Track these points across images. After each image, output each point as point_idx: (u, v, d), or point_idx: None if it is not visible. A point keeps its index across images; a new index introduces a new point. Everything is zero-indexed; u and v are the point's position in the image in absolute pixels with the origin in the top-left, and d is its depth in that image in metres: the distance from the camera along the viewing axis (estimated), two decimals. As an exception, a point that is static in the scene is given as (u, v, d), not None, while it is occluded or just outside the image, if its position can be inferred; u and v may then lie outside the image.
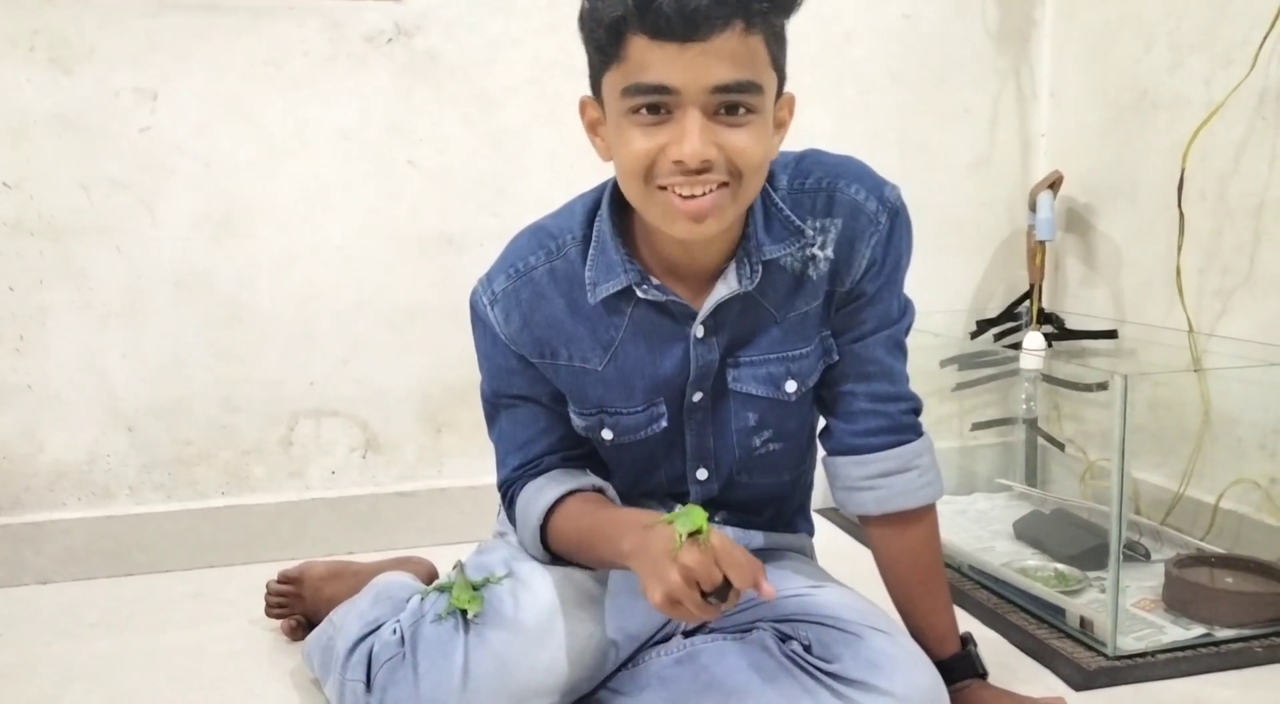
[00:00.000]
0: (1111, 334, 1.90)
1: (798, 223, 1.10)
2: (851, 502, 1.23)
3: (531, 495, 1.16)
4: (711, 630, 1.21)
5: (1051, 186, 1.98)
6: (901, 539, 1.22)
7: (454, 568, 1.20)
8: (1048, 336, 1.96)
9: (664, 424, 1.18)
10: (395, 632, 1.13)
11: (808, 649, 1.13)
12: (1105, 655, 1.36)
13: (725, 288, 1.10)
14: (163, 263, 1.76)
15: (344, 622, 1.23)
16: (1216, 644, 1.39)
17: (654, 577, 0.92)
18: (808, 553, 1.37)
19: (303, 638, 1.39)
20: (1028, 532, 1.78)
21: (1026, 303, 2.07)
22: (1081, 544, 1.67)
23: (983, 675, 1.22)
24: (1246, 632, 1.41)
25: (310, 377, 1.85)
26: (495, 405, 1.24)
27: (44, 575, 1.75)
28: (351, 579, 1.44)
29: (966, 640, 1.24)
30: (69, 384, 1.75)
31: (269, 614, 1.52)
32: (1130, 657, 1.36)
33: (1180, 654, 1.36)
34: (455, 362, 1.89)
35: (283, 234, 1.81)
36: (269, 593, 1.52)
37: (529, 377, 1.18)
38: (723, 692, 1.12)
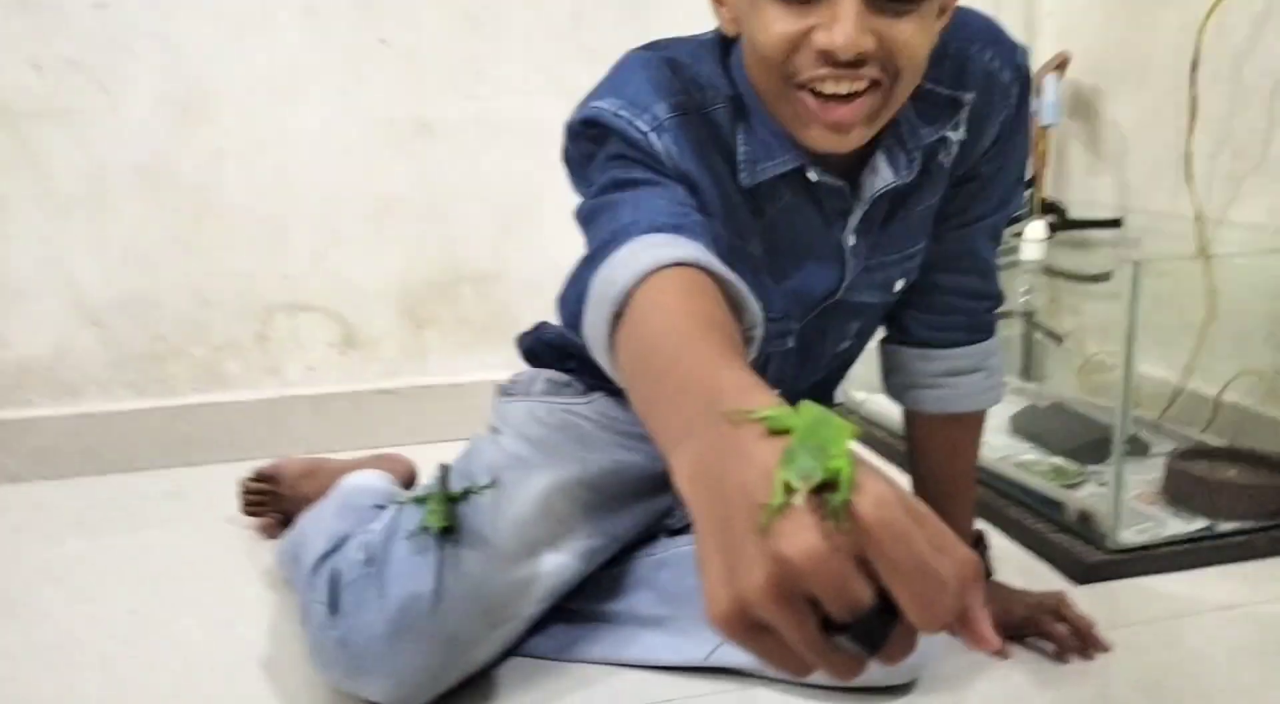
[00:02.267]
0: (1115, 223, 1.83)
1: (950, 93, 0.95)
2: (908, 397, 1.16)
3: (636, 250, 0.70)
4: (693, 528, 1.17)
5: (1058, 68, 1.89)
6: (946, 440, 1.17)
7: (437, 473, 1.13)
8: (1050, 226, 1.90)
9: (790, 343, 1.03)
10: (362, 549, 1.05)
11: None
12: (1105, 549, 1.32)
13: (879, 179, 0.94)
14: (124, 149, 1.67)
15: (310, 532, 1.18)
16: (1218, 537, 1.36)
17: (718, 563, 0.44)
18: None
19: (280, 536, 1.35)
20: (1024, 426, 1.74)
21: (1029, 191, 1.99)
22: (1079, 438, 1.63)
23: (988, 577, 1.19)
24: (1248, 524, 1.38)
25: (284, 270, 1.77)
26: (612, 190, 0.85)
27: (14, 474, 1.69)
28: (327, 477, 1.39)
29: (979, 540, 1.20)
30: (31, 277, 1.67)
31: (245, 512, 1.48)
32: (1130, 550, 1.32)
33: (1181, 548, 1.33)
34: (435, 255, 1.82)
35: (249, 120, 1.71)
36: (244, 491, 1.47)
37: (683, 192, 0.86)
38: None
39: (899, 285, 1.07)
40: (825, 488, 0.41)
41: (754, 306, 0.68)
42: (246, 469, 1.49)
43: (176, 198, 1.70)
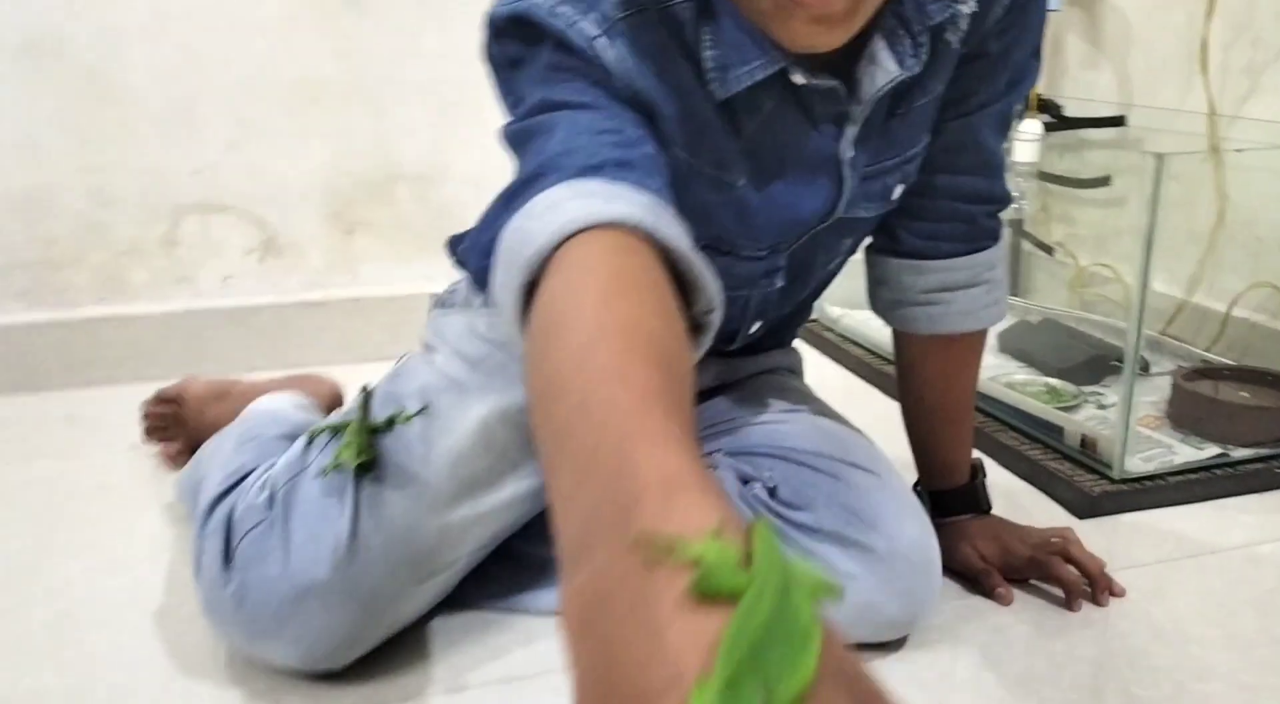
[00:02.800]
0: (1118, 121, 1.67)
1: None
2: (897, 316, 1.01)
3: (561, 198, 0.56)
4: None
5: (1059, -52, 1.71)
6: (942, 363, 1.03)
7: (359, 396, 0.95)
8: (1046, 126, 1.73)
9: (779, 282, 0.90)
10: (264, 488, 0.89)
11: (773, 492, 0.94)
12: (1110, 479, 1.19)
13: (881, 73, 0.77)
14: (4, 22, 1.44)
15: (207, 466, 1.01)
16: (1233, 465, 1.23)
17: None
18: (797, 371, 1.16)
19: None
20: (1014, 343, 1.60)
21: (1022, 86, 1.82)
22: (1074, 356, 1.50)
23: (985, 511, 1.06)
24: (1265, 451, 1.25)
25: (193, 165, 1.57)
26: (544, 112, 0.69)
27: (-111, 396, 1.50)
28: (238, 400, 1.22)
29: (976, 471, 1.06)
30: (-104, 171, 1.46)
31: (148, 438, 1.30)
32: (1138, 480, 1.20)
33: (1194, 477, 1.21)
34: (365, 149, 1.63)
35: (149, -10, 1.49)
36: (145, 414, 1.30)
37: (633, 117, 0.71)
38: None
39: (898, 192, 0.91)
40: None
41: (711, 286, 0.52)
42: (153, 391, 1.32)
43: (67, 80, 1.49)
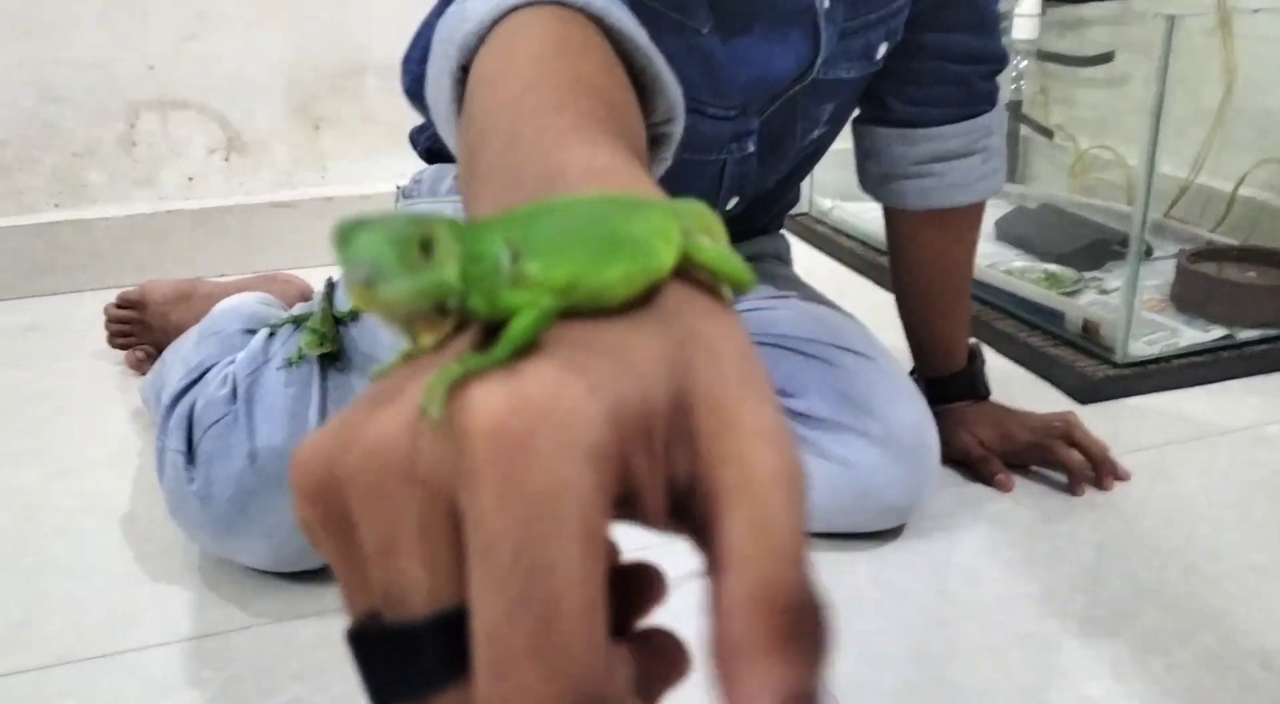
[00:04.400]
0: (1120, -7, 1.59)
1: None
2: (887, 191, 0.96)
3: None
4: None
5: None
6: (937, 241, 0.98)
7: (323, 287, 0.89)
8: (1045, 1, 1.65)
9: (750, 147, 0.84)
10: (226, 382, 0.84)
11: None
12: (1113, 363, 1.15)
13: None
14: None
15: (171, 365, 0.96)
16: (1239, 346, 1.19)
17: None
18: (783, 257, 1.11)
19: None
20: (1012, 230, 1.54)
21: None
22: (1074, 242, 1.44)
23: (984, 397, 1.01)
24: (1271, 331, 1.21)
25: (147, 58, 1.48)
26: None
27: None
28: (202, 302, 1.16)
29: (974, 356, 1.02)
30: None
31: (111, 344, 1.25)
32: (1141, 363, 1.15)
33: (1198, 359, 1.17)
34: (331, 38, 1.54)
35: None
36: (108, 320, 1.24)
37: None
38: None
39: (882, 51, 0.85)
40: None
41: (671, 86, 0.44)
42: (115, 296, 1.26)
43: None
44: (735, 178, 0.87)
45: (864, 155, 0.97)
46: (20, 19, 1.41)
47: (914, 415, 0.87)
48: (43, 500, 0.97)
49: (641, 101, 0.42)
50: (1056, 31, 1.71)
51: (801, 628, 0.19)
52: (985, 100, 0.92)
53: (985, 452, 0.97)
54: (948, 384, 1.01)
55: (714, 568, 0.19)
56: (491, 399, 0.19)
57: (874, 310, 1.09)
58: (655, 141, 0.46)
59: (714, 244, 0.25)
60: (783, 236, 1.11)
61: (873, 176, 0.97)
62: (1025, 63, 1.70)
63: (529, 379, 0.19)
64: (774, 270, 1.05)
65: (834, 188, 1.66)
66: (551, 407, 0.19)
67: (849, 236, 1.64)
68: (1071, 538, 0.88)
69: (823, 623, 0.19)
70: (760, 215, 1.01)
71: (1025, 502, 0.94)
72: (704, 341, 0.22)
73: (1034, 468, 0.98)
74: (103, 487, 0.99)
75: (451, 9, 0.47)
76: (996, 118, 0.94)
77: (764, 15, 0.76)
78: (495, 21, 0.43)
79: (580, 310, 0.21)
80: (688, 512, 0.21)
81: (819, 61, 0.80)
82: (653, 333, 0.21)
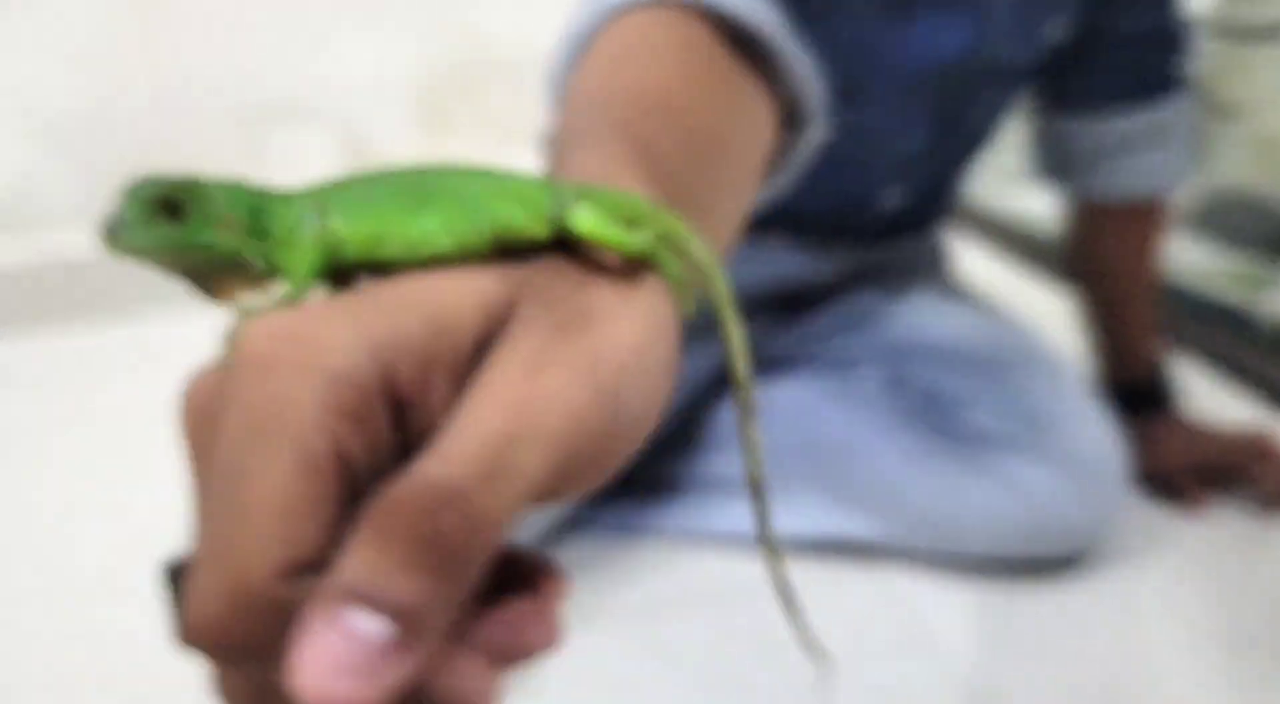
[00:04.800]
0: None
1: None
2: (1067, 182, 0.90)
3: None
4: (796, 367, 0.92)
5: None
6: (1120, 235, 0.91)
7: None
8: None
9: (919, 134, 0.79)
10: None
11: (930, 395, 0.84)
12: (1317, 368, 1.03)
13: None
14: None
15: None
16: None
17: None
18: (944, 262, 1.02)
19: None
20: (1197, 220, 1.43)
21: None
22: (1263, 232, 1.32)
23: (1173, 408, 0.93)
24: None
25: (269, 67, 1.48)
26: None
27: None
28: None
29: (1161, 364, 0.94)
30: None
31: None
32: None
33: None
34: (454, 37, 1.51)
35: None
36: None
37: None
38: (814, 456, 0.84)
39: (1054, 33, 0.79)
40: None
41: (798, 64, 0.45)
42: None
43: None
44: (902, 168, 0.82)
45: (1041, 144, 0.91)
46: (150, 33, 1.43)
47: (1099, 433, 0.80)
48: (139, 540, 0.95)
49: (771, 83, 0.45)
50: (1237, 3, 1.58)
51: (419, 551, 0.19)
52: (1172, 85, 0.85)
53: (1176, 469, 0.89)
54: (1134, 394, 0.92)
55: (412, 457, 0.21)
56: (255, 330, 0.21)
57: (1044, 313, 1.01)
58: (793, 119, 0.47)
59: (600, 220, 0.25)
60: (944, 239, 1.04)
61: (1050, 166, 0.91)
62: (1204, 38, 1.57)
63: (291, 315, 0.22)
64: (938, 276, 0.98)
65: (990, 177, 1.57)
66: (299, 334, 0.21)
67: (1010, 230, 1.54)
68: (1273, 567, 0.79)
69: (443, 569, 0.19)
70: (923, 214, 0.95)
71: (1219, 526, 0.85)
72: (545, 296, 0.23)
73: (1227, 487, 0.88)
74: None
75: (574, 10, 0.48)
76: (1184, 103, 0.86)
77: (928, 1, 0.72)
78: (601, 26, 0.46)
79: (407, 263, 0.24)
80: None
81: (985, 44, 0.74)
82: (476, 280, 0.23)
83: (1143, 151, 0.86)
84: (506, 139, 1.56)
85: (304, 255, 0.23)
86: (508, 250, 0.25)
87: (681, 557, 0.85)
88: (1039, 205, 1.52)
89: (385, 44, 1.51)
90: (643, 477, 0.88)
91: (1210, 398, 1.05)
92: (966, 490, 0.80)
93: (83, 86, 1.44)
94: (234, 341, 0.22)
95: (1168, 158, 0.86)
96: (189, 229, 0.23)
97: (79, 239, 1.48)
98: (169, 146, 1.49)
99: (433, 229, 0.24)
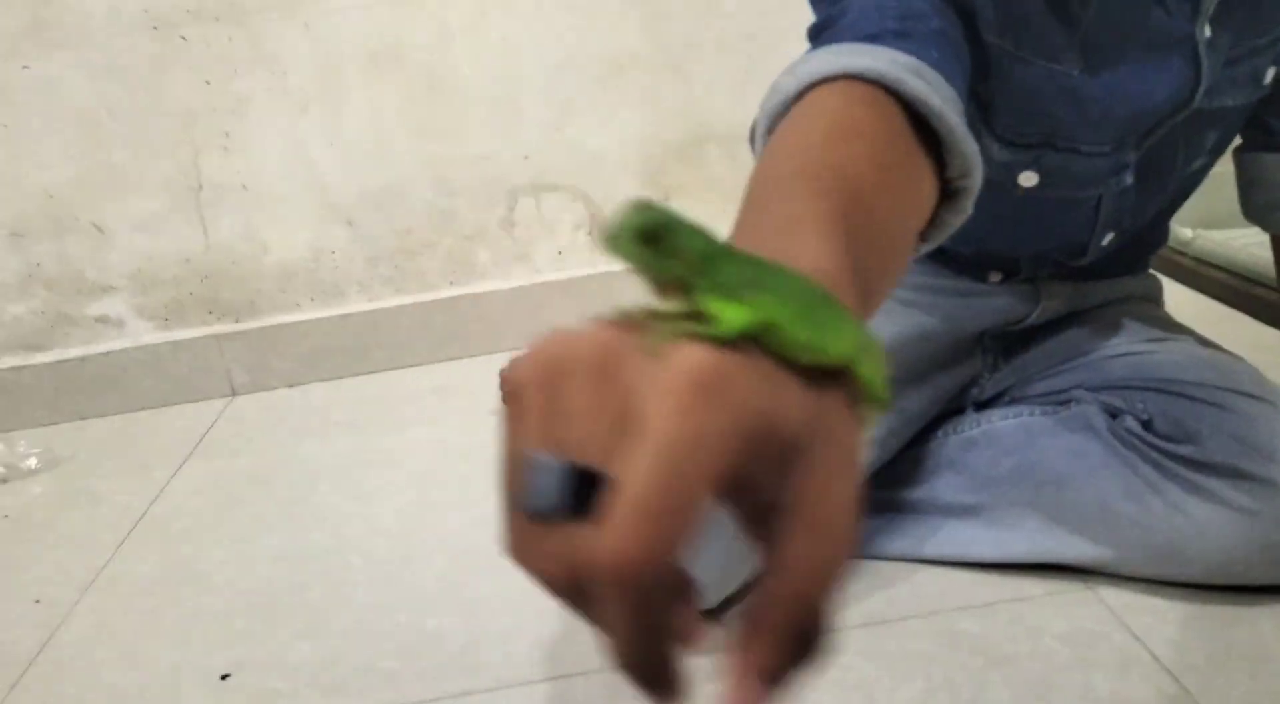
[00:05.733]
0: None
1: None
2: (1276, 221, 0.92)
3: (820, 57, 0.53)
4: (1013, 401, 0.98)
5: None
6: None
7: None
8: None
9: (1129, 180, 0.83)
10: None
11: (1148, 425, 0.88)
12: None
13: None
14: (351, 35, 1.60)
15: None
16: None
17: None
18: (1155, 298, 1.07)
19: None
20: None
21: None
22: None
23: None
24: None
25: (522, 149, 1.67)
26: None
27: (291, 378, 1.72)
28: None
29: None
30: (280, 179, 1.66)
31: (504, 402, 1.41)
32: None
33: None
34: (673, 114, 1.66)
35: (472, -11, 1.60)
36: (501, 382, 1.40)
37: (937, 7, 0.63)
38: (1032, 482, 0.89)
39: (1270, 77, 0.81)
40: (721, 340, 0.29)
41: (965, 144, 0.49)
42: (506, 360, 1.43)
43: (406, 80, 1.63)
44: (1113, 212, 0.86)
45: (1248, 183, 0.92)
46: (423, 126, 1.65)
47: None
48: (470, 544, 1.12)
49: (941, 159, 0.49)
50: None
51: (799, 635, 0.27)
52: None
53: None
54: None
55: (767, 568, 0.27)
56: (700, 352, 0.27)
57: (1256, 349, 1.03)
58: (954, 194, 0.51)
59: (877, 368, 0.31)
60: (1154, 276, 1.08)
61: (1260, 206, 0.92)
62: None
63: (729, 355, 0.27)
64: (1147, 312, 1.02)
65: (1194, 216, 1.57)
66: (735, 376, 0.27)
67: (1217, 268, 1.55)
68: None
69: (816, 642, 0.27)
70: (1132, 252, 1.00)
71: None
72: (831, 430, 0.28)
73: None
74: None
75: (779, 79, 0.55)
76: None
77: (1138, 46, 0.75)
78: (800, 94, 0.51)
79: (765, 346, 0.28)
80: (762, 521, 0.28)
81: (1200, 91, 0.77)
82: (804, 390, 0.28)
83: None
84: (722, 201, 1.70)
85: (736, 313, 0.28)
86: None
87: (904, 579, 0.94)
88: (1241, 237, 1.51)
89: (616, 122, 1.67)
90: (865, 502, 0.96)
91: None
92: (1189, 517, 0.82)
93: (376, 171, 1.66)
94: (661, 346, 0.27)
95: None
96: (657, 255, 0.29)
97: (371, 299, 1.71)
98: (440, 218, 1.70)
99: (800, 343, 0.29)
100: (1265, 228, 0.94)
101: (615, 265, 1.70)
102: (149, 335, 1.70)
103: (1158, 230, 1.01)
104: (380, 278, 1.72)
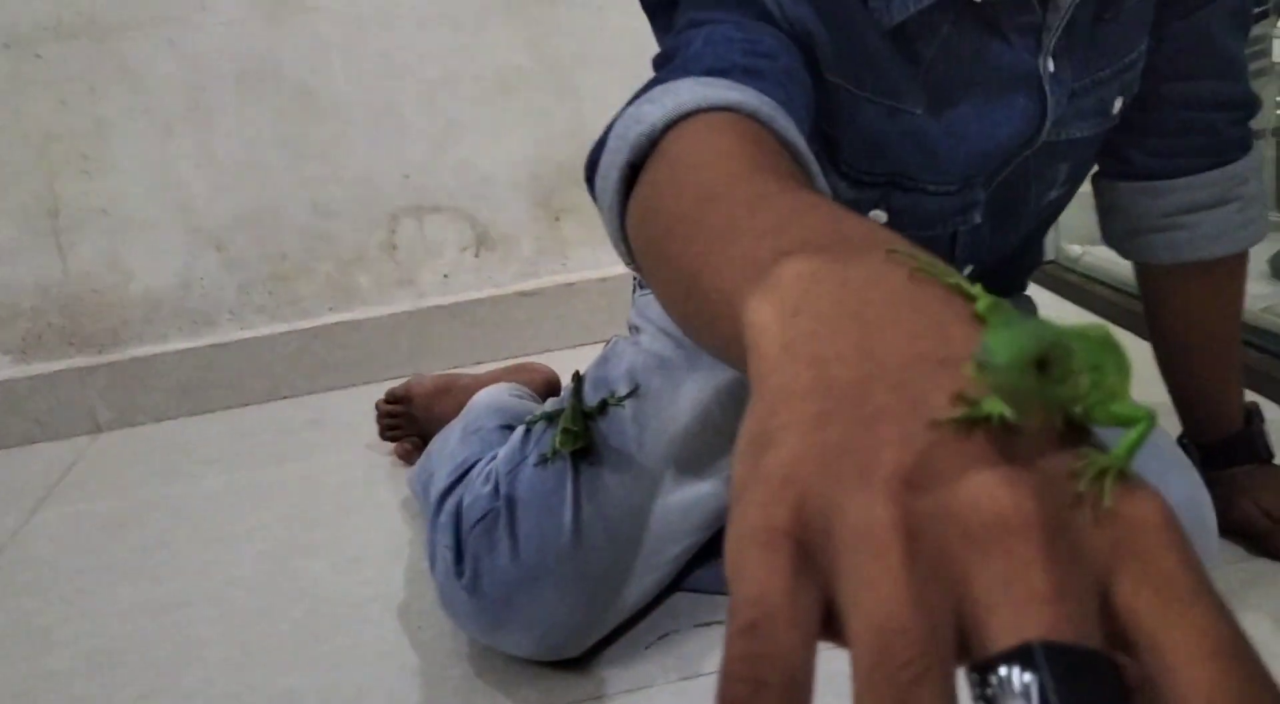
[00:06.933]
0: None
1: None
2: (1136, 247, 0.91)
3: (679, 87, 0.50)
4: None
5: None
6: (1196, 296, 0.92)
7: (571, 382, 0.94)
8: (1307, 18, 1.52)
9: (977, 218, 0.80)
10: (489, 479, 0.89)
11: None
12: None
13: None
14: (219, 52, 1.53)
15: (435, 461, 1.03)
16: None
17: (807, 435, 0.24)
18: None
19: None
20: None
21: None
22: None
23: (1266, 460, 0.93)
24: None
25: (403, 168, 1.61)
26: (686, 29, 0.65)
27: (159, 413, 1.63)
28: (461, 394, 1.23)
29: (1251, 415, 0.94)
30: (145, 203, 1.57)
31: (382, 437, 1.35)
32: None
33: None
34: (564, 134, 1.62)
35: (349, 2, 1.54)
36: (379, 415, 1.34)
37: (776, 33, 0.64)
38: None
39: (1118, 105, 0.80)
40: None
41: (824, 187, 0.46)
42: (384, 391, 1.37)
43: (280, 100, 1.56)
44: (967, 248, 0.84)
45: (1106, 210, 0.92)
46: (299, 146, 1.58)
47: (1187, 489, 0.80)
48: (329, 591, 1.05)
49: None
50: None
51: None
52: (1237, 147, 0.86)
53: (1271, 522, 0.89)
54: (1223, 448, 0.93)
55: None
56: (1155, 500, 0.22)
57: (1138, 363, 1.02)
58: None
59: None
60: (1028, 298, 1.07)
61: (1118, 232, 0.92)
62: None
63: (1166, 495, 0.23)
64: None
65: (1083, 233, 1.58)
66: (1173, 517, 0.22)
67: (1102, 284, 1.55)
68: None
69: None
70: (1001, 278, 0.98)
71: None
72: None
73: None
74: (380, 575, 1.06)
75: (629, 111, 0.51)
76: (1252, 164, 0.87)
77: (983, 87, 0.73)
78: (669, 125, 0.47)
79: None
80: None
81: (1048, 125, 0.76)
82: None
83: (1210, 214, 0.86)
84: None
85: (1142, 422, 0.25)
86: None
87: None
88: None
89: (504, 142, 1.62)
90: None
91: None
92: None
93: (247, 193, 1.59)
94: (1123, 495, 0.23)
95: (1238, 219, 0.87)
96: (1046, 384, 0.23)
97: (243, 327, 1.62)
98: (316, 242, 1.63)
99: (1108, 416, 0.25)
100: (1123, 254, 0.94)
101: (503, 288, 1.66)
102: (5, 370, 1.60)
103: (1028, 255, 1.00)
104: (253, 305, 1.64)
